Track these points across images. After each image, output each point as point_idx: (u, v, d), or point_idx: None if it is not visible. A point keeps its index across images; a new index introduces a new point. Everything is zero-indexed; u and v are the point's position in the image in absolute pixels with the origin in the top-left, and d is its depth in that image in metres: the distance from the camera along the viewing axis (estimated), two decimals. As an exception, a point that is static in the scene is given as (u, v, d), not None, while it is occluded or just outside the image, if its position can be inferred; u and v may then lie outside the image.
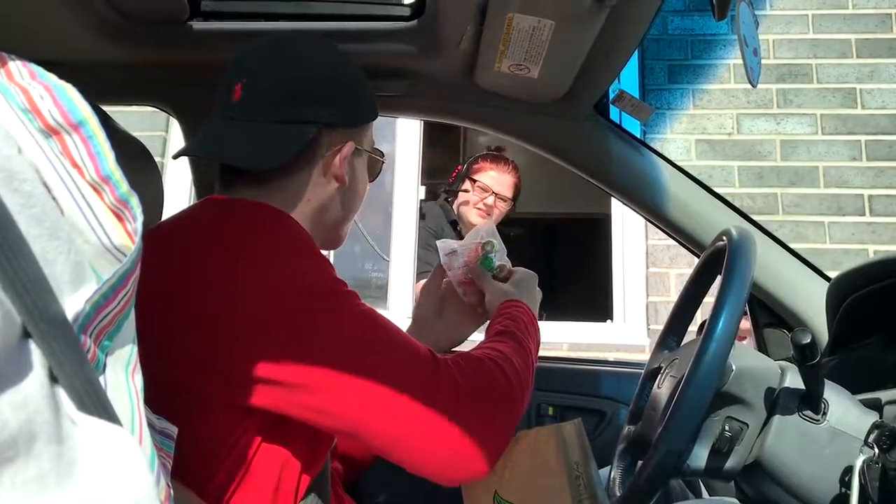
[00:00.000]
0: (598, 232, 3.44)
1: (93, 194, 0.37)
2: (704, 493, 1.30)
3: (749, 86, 1.75)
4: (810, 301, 1.20)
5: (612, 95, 1.24)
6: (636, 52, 2.31)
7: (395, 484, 0.80)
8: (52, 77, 0.38)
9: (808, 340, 0.72)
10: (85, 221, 0.37)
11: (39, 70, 0.38)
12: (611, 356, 2.62)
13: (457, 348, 1.15)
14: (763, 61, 1.38)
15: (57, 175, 0.36)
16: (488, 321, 1.02)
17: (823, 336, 1.12)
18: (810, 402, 0.79)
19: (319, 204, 0.91)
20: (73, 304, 0.33)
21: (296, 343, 0.73)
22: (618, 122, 1.29)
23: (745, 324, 1.36)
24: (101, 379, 0.36)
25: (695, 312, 1.06)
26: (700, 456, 0.81)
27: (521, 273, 1.07)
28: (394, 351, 0.77)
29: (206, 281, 0.75)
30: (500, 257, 1.09)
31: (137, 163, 0.95)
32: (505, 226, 2.44)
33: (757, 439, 0.81)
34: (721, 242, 0.91)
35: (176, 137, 2.89)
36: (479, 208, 2.41)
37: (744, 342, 1.19)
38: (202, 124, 0.94)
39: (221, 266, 0.76)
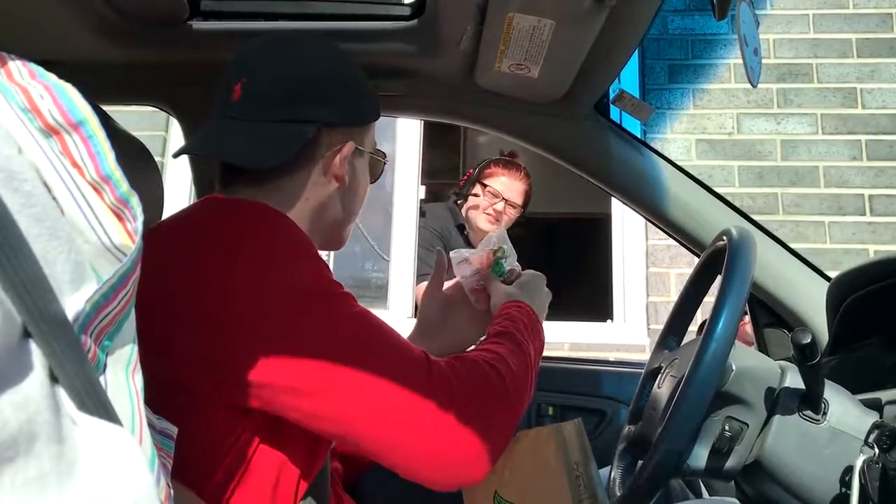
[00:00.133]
0: (598, 232, 3.44)
1: (93, 194, 0.37)
2: (704, 493, 1.30)
3: (749, 85, 1.75)
4: (810, 301, 1.20)
5: (612, 95, 1.24)
6: (636, 52, 2.32)
7: (395, 484, 0.80)
8: (52, 77, 0.38)
9: (808, 340, 0.72)
10: (85, 221, 0.37)
11: (39, 70, 0.38)
12: (611, 356, 2.62)
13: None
14: (763, 61, 1.38)
15: (57, 175, 0.36)
16: None
17: (823, 336, 1.12)
18: (810, 402, 0.79)
19: (319, 204, 0.91)
20: (73, 303, 0.33)
21: (289, 345, 0.73)
22: (618, 121, 1.29)
23: (748, 331, 1.36)
24: (102, 379, 0.36)
25: (695, 312, 1.06)
26: (700, 456, 0.81)
27: (526, 275, 1.07)
28: (387, 354, 0.76)
29: (204, 281, 0.75)
30: (511, 263, 1.08)
31: (137, 162, 0.95)
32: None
33: (757, 439, 0.81)
34: (721, 242, 0.91)
35: (176, 137, 2.89)
36: (488, 214, 2.38)
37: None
38: (202, 124, 0.94)
39: (219, 266, 0.76)
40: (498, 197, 2.37)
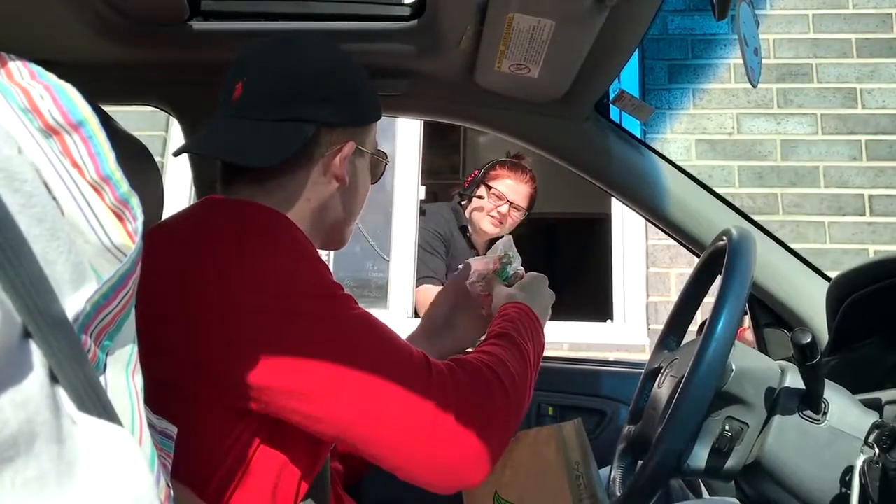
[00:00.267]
0: (598, 232, 3.44)
1: (93, 194, 0.37)
2: (704, 493, 1.30)
3: (749, 85, 1.75)
4: (810, 301, 1.20)
5: (612, 95, 1.24)
6: (636, 52, 2.31)
7: (396, 483, 0.80)
8: (52, 77, 0.38)
9: (808, 340, 0.72)
10: (85, 221, 0.37)
11: (39, 70, 0.38)
12: (611, 356, 2.62)
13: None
14: (763, 61, 1.38)
15: (57, 175, 0.36)
16: None
17: (823, 336, 1.12)
18: (810, 402, 0.79)
19: (319, 203, 0.91)
20: (73, 303, 0.33)
21: (289, 347, 0.73)
22: (618, 121, 1.29)
23: (749, 336, 1.36)
24: (102, 379, 0.36)
25: (695, 312, 1.06)
26: (700, 456, 0.81)
27: (528, 277, 1.07)
28: (388, 356, 0.76)
29: (203, 282, 0.75)
30: (514, 268, 1.10)
31: (138, 163, 0.95)
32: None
33: (757, 439, 0.81)
34: (721, 242, 0.91)
35: (176, 137, 2.88)
36: (492, 216, 2.35)
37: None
38: (202, 124, 0.94)
39: (218, 268, 0.76)
40: (502, 199, 2.34)
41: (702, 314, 0.94)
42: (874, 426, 0.75)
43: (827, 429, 0.78)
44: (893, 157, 2.79)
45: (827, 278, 1.21)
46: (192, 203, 0.94)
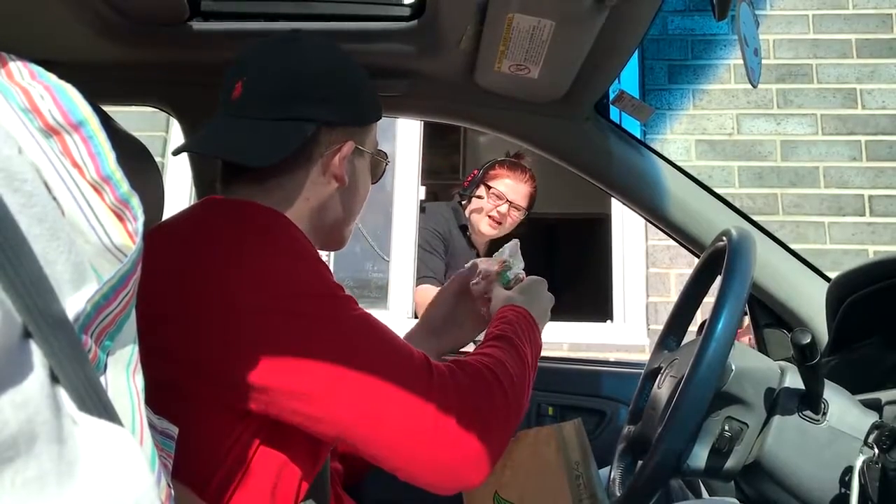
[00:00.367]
0: (598, 232, 3.43)
1: (93, 194, 0.37)
2: (704, 493, 1.30)
3: (749, 86, 1.75)
4: (810, 301, 1.20)
5: (612, 95, 1.24)
6: (636, 52, 2.31)
7: (396, 484, 0.80)
8: (53, 77, 0.38)
9: (808, 340, 0.72)
10: (85, 221, 0.37)
11: (39, 70, 0.38)
12: (611, 356, 2.62)
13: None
14: (763, 61, 1.38)
15: (57, 175, 0.36)
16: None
17: (823, 336, 1.12)
18: (810, 402, 0.79)
19: (319, 203, 0.91)
20: (74, 304, 0.33)
21: (289, 348, 0.73)
22: (618, 122, 1.29)
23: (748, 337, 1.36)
24: (102, 379, 0.36)
25: (695, 312, 1.06)
26: (700, 456, 0.81)
27: (527, 280, 1.08)
28: (389, 357, 0.76)
29: (203, 283, 0.75)
30: (516, 272, 1.10)
31: (138, 163, 0.95)
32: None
33: (757, 439, 0.81)
34: (721, 243, 0.91)
35: (176, 137, 2.88)
36: (491, 216, 2.35)
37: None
38: (202, 124, 0.94)
39: (218, 268, 0.76)
40: (502, 199, 2.34)
41: (702, 314, 0.94)
42: (874, 426, 0.75)
43: (827, 429, 0.78)
44: (893, 157, 2.79)
45: (827, 279, 1.21)
46: (192, 203, 0.94)
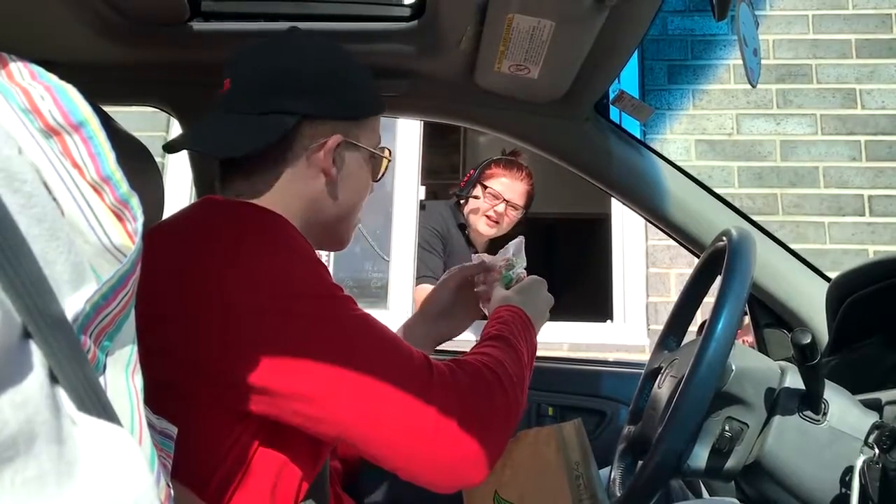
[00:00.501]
0: (598, 232, 3.43)
1: (93, 194, 0.37)
2: (704, 493, 1.30)
3: (749, 86, 1.75)
4: (810, 301, 1.20)
5: (612, 95, 1.24)
6: (636, 52, 2.31)
7: (395, 483, 0.80)
8: (53, 77, 0.38)
9: (808, 340, 0.72)
10: (85, 222, 0.37)
11: (40, 70, 0.38)
12: (611, 356, 2.62)
13: (443, 346, 1.17)
14: (763, 61, 1.38)
15: (57, 175, 0.36)
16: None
17: (823, 336, 1.12)
18: (810, 402, 0.79)
19: (309, 199, 0.90)
20: (73, 304, 0.33)
21: (288, 349, 0.72)
22: (618, 122, 1.29)
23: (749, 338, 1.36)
24: (102, 379, 0.36)
25: (695, 312, 1.06)
26: (700, 456, 0.81)
27: (527, 280, 1.08)
28: (388, 357, 0.76)
29: (200, 282, 0.75)
30: (517, 272, 1.11)
31: (138, 163, 0.95)
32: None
33: (757, 439, 0.81)
34: (721, 243, 0.91)
35: (176, 137, 2.88)
36: (488, 216, 2.34)
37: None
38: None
39: (214, 267, 0.76)
40: (498, 198, 2.33)
41: (702, 314, 0.94)
42: (874, 426, 0.75)
43: (827, 429, 0.78)
44: (893, 157, 2.79)
45: (827, 279, 1.21)
46: (190, 203, 0.94)
